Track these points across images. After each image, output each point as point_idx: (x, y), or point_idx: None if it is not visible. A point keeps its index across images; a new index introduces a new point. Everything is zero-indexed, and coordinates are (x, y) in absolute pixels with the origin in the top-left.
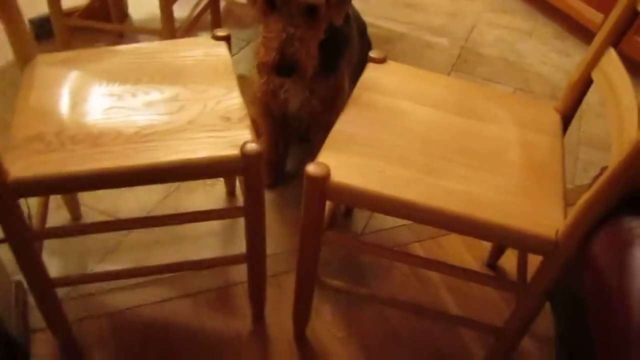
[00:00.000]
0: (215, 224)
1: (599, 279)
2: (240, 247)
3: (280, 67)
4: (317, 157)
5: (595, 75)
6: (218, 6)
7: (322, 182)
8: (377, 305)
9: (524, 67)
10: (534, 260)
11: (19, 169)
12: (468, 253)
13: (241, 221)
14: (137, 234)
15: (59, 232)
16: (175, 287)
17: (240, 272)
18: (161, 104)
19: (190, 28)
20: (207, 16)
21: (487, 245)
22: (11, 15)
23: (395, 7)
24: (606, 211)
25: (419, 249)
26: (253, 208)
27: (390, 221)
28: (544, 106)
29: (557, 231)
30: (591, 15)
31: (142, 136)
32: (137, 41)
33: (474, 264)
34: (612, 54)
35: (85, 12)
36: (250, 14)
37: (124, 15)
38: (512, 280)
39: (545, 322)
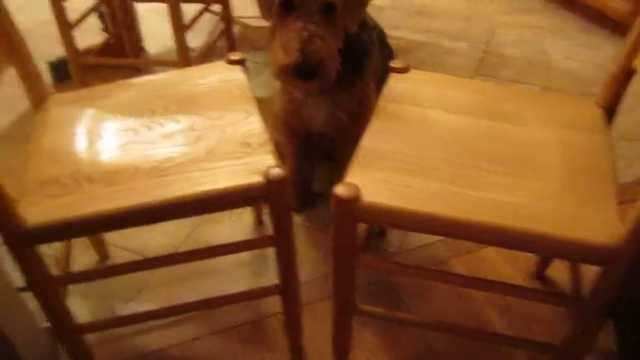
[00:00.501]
0: (244, 254)
1: None
2: (272, 277)
3: (303, 68)
4: (344, 177)
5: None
6: (232, 31)
7: (352, 203)
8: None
9: (550, 64)
10: (588, 268)
11: (34, 215)
12: (510, 265)
13: (272, 249)
14: (165, 270)
15: (83, 277)
16: (206, 323)
17: (273, 303)
18: (178, 135)
19: (206, 56)
20: (223, 42)
21: (532, 255)
22: (22, 58)
23: (410, 16)
24: None
25: (457, 265)
26: (282, 236)
27: (426, 237)
28: (582, 101)
29: (614, 237)
30: (616, 4)
31: (160, 170)
32: (154, 74)
33: (519, 277)
34: None
35: (102, 50)
36: (264, 36)
37: (139, 50)
38: (565, 294)
39: (605, 335)
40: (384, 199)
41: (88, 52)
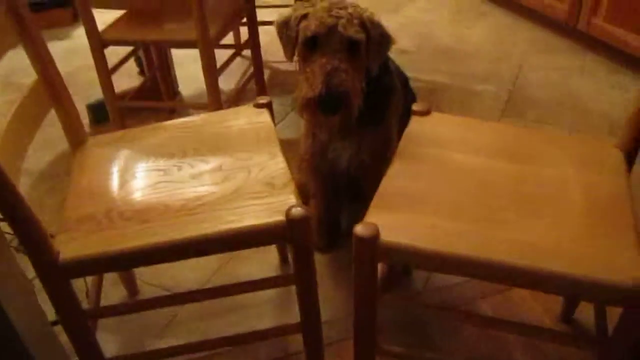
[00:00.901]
0: (271, 291)
1: None
2: (296, 314)
3: (327, 100)
4: (365, 217)
5: None
6: (262, 75)
7: (372, 243)
8: None
9: (577, 105)
10: (615, 310)
11: (69, 249)
12: (540, 305)
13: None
14: (192, 306)
15: (112, 311)
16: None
17: (299, 341)
18: (207, 175)
19: (236, 99)
20: (253, 85)
21: (559, 298)
22: (62, 101)
23: (436, 59)
24: None
25: (485, 305)
26: (303, 275)
27: (454, 276)
28: (603, 144)
29: (634, 278)
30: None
31: (189, 209)
32: (188, 116)
33: (546, 317)
34: None
35: (138, 93)
36: (294, 79)
37: (174, 94)
38: (591, 336)
39: None
40: (403, 238)
41: (125, 95)
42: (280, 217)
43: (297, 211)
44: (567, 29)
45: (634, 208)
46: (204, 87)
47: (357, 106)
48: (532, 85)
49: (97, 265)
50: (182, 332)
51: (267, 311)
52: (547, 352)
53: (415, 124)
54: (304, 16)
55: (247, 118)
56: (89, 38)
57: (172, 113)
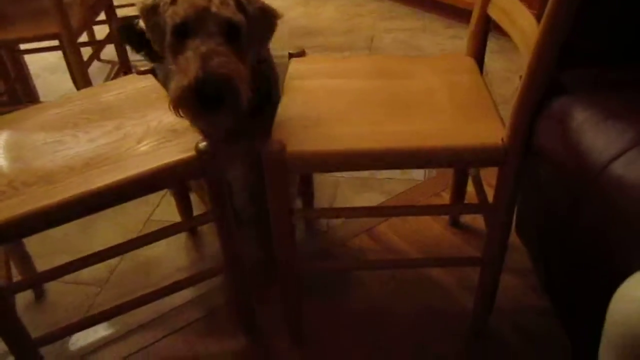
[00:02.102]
0: (181, 245)
1: (552, 159)
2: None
3: (207, 86)
4: (270, 137)
5: (491, 10)
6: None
7: (281, 155)
8: (360, 283)
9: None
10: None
11: None
12: (432, 219)
13: (204, 237)
14: (108, 292)
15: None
16: (161, 327)
17: (220, 295)
18: (105, 136)
19: None
20: None
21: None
22: None
23: (293, 37)
24: (536, 103)
25: (385, 227)
26: (220, 209)
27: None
28: (458, 55)
29: (502, 138)
30: None
31: (94, 164)
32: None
33: (438, 227)
34: None
35: None
36: None
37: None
38: (476, 204)
39: (520, 256)
40: (306, 147)
41: None
42: (191, 153)
43: (205, 145)
44: None
45: (491, 95)
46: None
47: (245, 96)
48: (385, 48)
49: (13, 230)
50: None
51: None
52: (443, 254)
53: (294, 64)
54: (173, 1)
55: (134, 85)
56: None
57: None
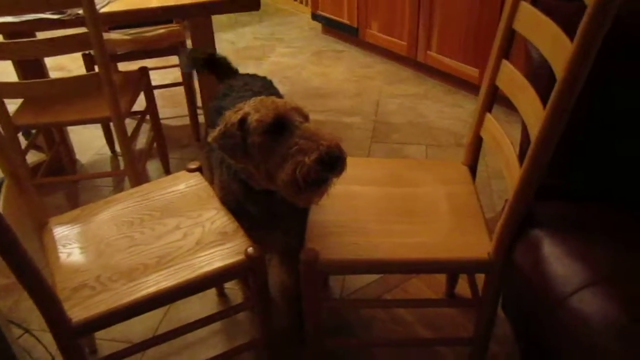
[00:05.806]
0: (215, 325)
1: (525, 277)
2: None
3: (333, 156)
4: (305, 246)
5: (482, 134)
6: (163, 135)
7: (314, 263)
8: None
9: (427, 124)
10: (481, 281)
11: (78, 313)
12: (428, 289)
13: (238, 319)
14: (152, 352)
15: None
16: None
17: None
18: (168, 235)
19: (145, 160)
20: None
21: (443, 282)
22: (23, 187)
23: (308, 98)
24: (516, 228)
25: (389, 296)
26: (263, 297)
27: (360, 281)
28: (455, 164)
29: (488, 253)
30: (469, 71)
31: (164, 263)
32: (92, 183)
33: (434, 295)
34: (489, 118)
35: (46, 169)
36: (186, 134)
37: (73, 162)
38: (469, 299)
39: (505, 329)
40: (335, 255)
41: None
42: (242, 257)
43: (253, 250)
44: (410, 61)
45: (481, 206)
46: (100, 152)
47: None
48: (390, 113)
49: (104, 321)
50: None
51: (217, 343)
52: (440, 324)
53: None
54: (243, 119)
55: (185, 182)
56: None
57: (76, 182)
